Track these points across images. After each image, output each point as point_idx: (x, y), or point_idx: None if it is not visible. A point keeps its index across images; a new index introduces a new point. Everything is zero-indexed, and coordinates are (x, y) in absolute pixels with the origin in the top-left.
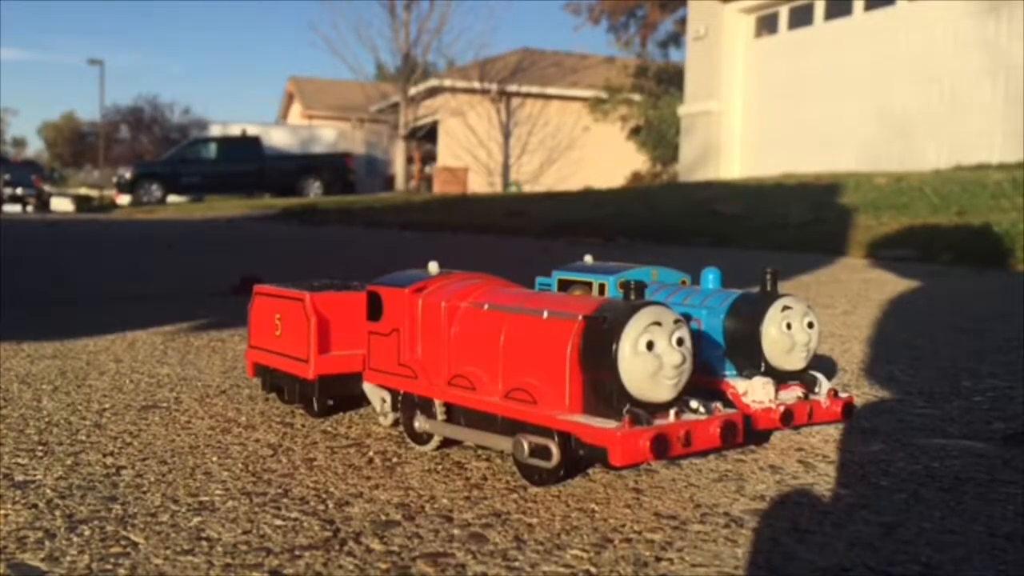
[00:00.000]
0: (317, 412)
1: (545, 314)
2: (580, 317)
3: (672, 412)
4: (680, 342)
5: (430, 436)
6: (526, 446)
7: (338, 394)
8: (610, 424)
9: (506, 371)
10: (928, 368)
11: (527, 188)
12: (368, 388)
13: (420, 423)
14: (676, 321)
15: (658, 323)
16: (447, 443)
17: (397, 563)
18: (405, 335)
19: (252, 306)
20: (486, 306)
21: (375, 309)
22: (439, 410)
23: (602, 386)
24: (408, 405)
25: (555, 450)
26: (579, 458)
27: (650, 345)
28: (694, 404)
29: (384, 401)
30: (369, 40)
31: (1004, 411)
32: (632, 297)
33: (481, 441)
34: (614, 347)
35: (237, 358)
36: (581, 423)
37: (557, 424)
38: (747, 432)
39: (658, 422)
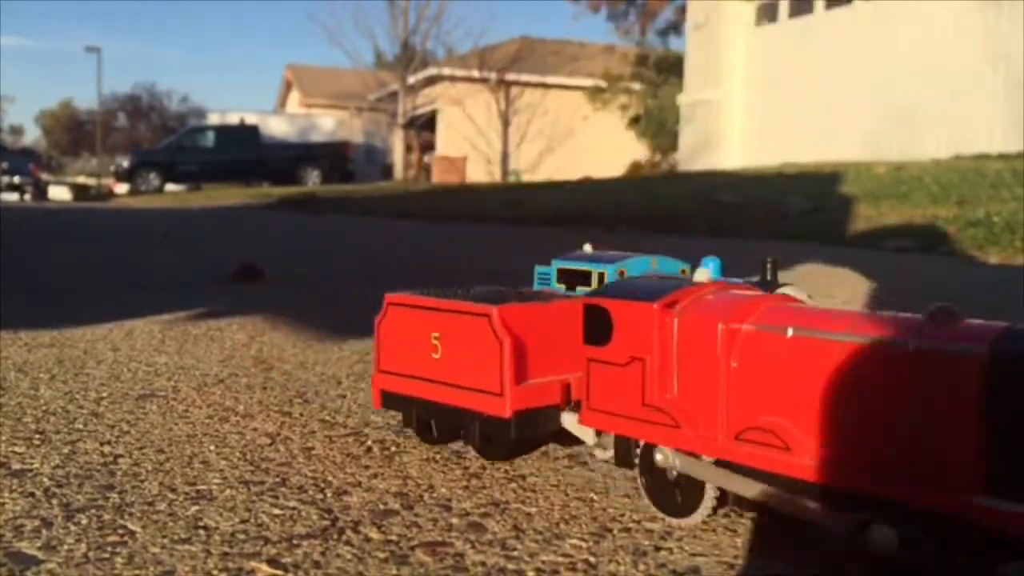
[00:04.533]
0: (502, 455)
1: (911, 345)
2: (983, 350)
3: None
4: None
5: (695, 502)
6: (892, 535)
7: (534, 433)
8: None
9: (843, 428)
10: None
11: (526, 177)
12: (574, 424)
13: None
14: None
15: None
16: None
17: (395, 552)
18: (653, 367)
19: (382, 320)
20: (790, 331)
21: (600, 329)
22: None
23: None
24: (651, 457)
25: (932, 545)
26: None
27: None
28: None
29: (601, 434)
30: (367, 28)
31: None
32: None
33: (788, 509)
34: None
35: (235, 347)
36: (1003, 509)
37: (960, 508)
38: None
39: None
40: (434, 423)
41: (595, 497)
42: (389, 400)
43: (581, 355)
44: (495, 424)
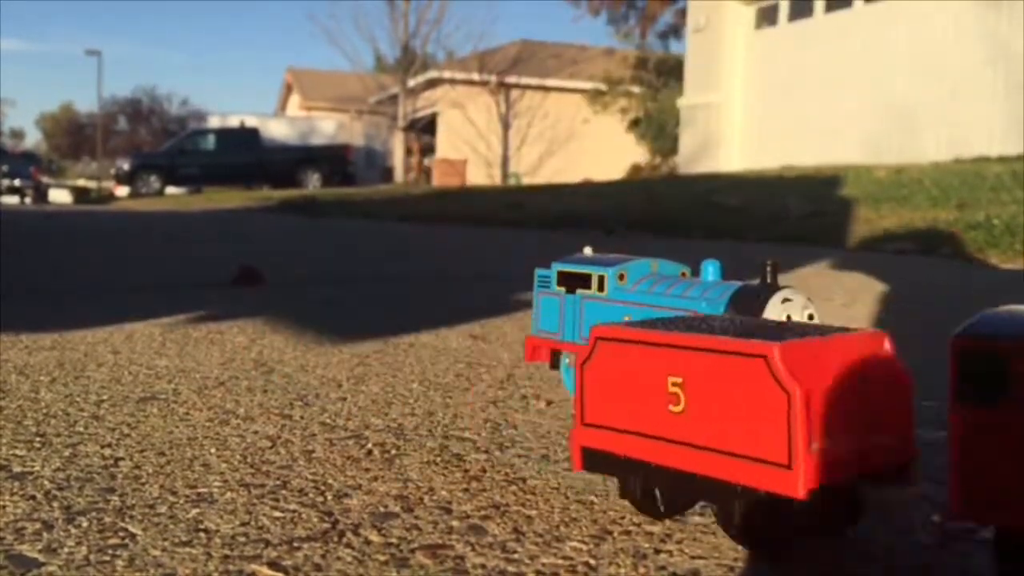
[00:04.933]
0: (773, 544)
1: None
2: None
3: None
4: None
5: None
6: None
7: (828, 521)
8: None
9: None
10: (929, 361)
11: (526, 180)
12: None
13: None
14: None
15: None
16: (444, 435)
17: (396, 555)
18: None
19: (589, 361)
20: None
21: (984, 380)
22: None
23: None
24: None
25: None
26: None
27: None
28: None
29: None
30: (368, 31)
31: None
32: None
33: None
34: None
35: (236, 350)
36: None
37: None
38: None
39: None
40: (665, 493)
41: (595, 500)
42: (596, 461)
43: (952, 417)
44: (772, 505)
